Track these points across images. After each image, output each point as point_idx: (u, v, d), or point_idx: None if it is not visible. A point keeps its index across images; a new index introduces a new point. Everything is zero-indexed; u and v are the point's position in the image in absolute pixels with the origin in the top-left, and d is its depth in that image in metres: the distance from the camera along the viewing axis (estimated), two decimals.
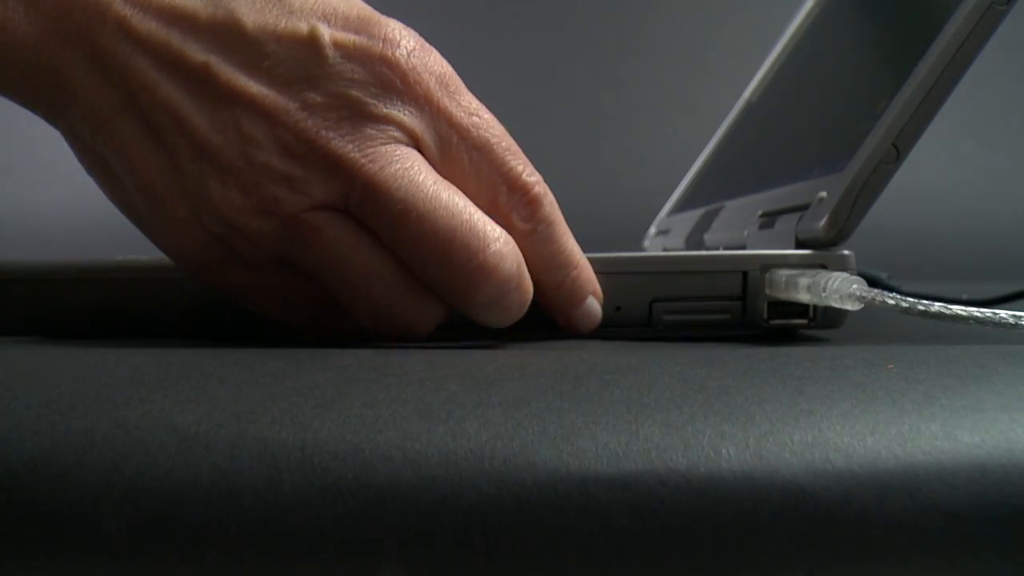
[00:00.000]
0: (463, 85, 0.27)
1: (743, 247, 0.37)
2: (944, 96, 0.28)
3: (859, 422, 0.17)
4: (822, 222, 0.29)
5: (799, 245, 0.30)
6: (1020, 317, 0.24)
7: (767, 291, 0.29)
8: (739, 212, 0.41)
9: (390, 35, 0.26)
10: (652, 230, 0.60)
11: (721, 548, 0.16)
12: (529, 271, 0.27)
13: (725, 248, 0.39)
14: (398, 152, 0.26)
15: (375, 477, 0.16)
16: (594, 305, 0.29)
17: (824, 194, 0.30)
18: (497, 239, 0.26)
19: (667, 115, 1.09)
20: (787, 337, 0.30)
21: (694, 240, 0.47)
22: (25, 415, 0.18)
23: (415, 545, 0.16)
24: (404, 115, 0.26)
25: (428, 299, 0.27)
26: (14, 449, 0.17)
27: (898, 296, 0.25)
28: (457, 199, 0.26)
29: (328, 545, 0.16)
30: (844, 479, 0.16)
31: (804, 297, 0.27)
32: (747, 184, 0.43)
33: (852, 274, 0.27)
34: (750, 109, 0.55)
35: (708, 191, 0.53)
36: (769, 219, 0.34)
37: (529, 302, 0.27)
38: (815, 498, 0.16)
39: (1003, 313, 0.24)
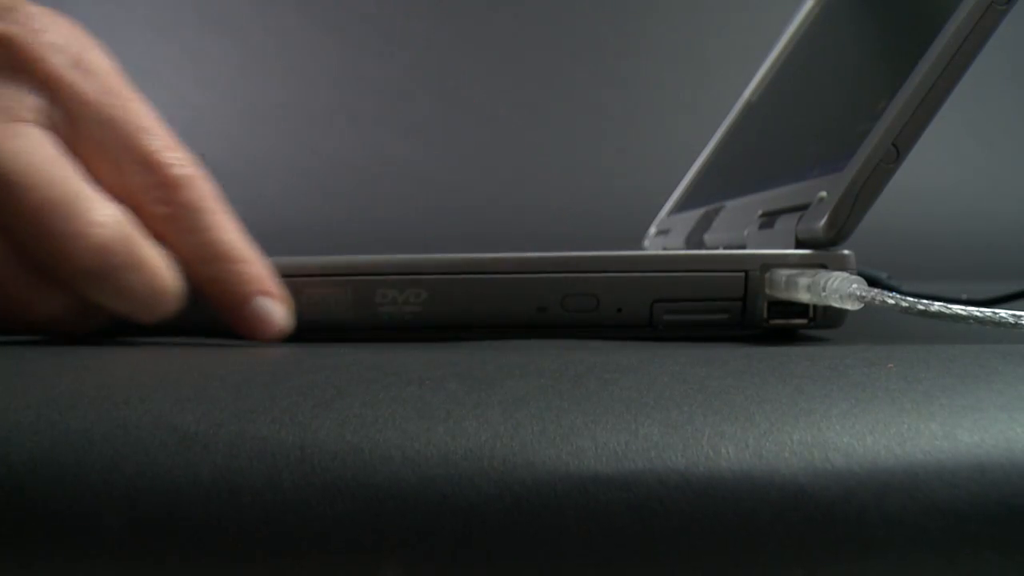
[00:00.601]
0: (106, 66, 0.27)
1: (743, 247, 0.37)
2: (944, 96, 0.28)
3: (859, 421, 0.17)
4: (822, 222, 0.29)
5: (799, 245, 0.30)
6: (1020, 317, 0.24)
7: (767, 291, 0.29)
8: (739, 212, 0.41)
9: (20, 18, 0.27)
10: (652, 230, 0.60)
11: (721, 548, 0.16)
12: (183, 262, 0.27)
13: (725, 248, 0.39)
14: (19, 129, 0.26)
15: (374, 477, 0.16)
16: (266, 307, 0.27)
17: (824, 194, 0.30)
18: (96, 210, 0.26)
19: (667, 115, 1.09)
20: (787, 337, 0.30)
21: (694, 240, 0.46)
22: (25, 415, 0.18)
23: (415, 545, 0.16)
24: (30, 94, 0.26)
25: (42, 283, 0.26)
26: (14, 449, 0.17)
27: (898, 296, 0.25)
28: (61, 172, 0.26)
29: (328, 544, 0.16)
30: (844, 478, 0.16)
31: (804, 297, 0.27)
32: (747, 184, 0.43)
33: (852, 274, 0.27)
34: (750, 109, 0.55)
35: (708, 191, 0.53)
36: (769, 219, 0.34)
37: (167, 290, 0.26)
38: (815, 497, 0.16)
39: (1003, 313, 0.24)
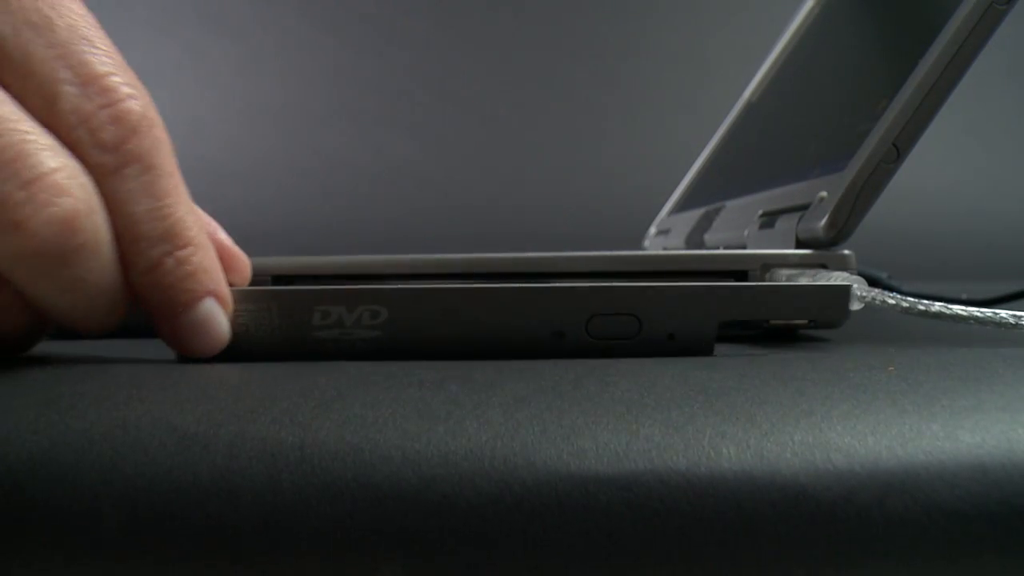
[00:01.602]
0: None
1: (743, 247, 0.37)
2: (944, 96, 0.28)
3: (860, 422, 0.17)
4: (822, 222, 0.29)
5: (799, 245, 0.30)
6: (1020, 317, 0.24)
7: None
8: (739, 212, 0.41)
9: None
10: (652, 230, 0.60)
11: (721, 548, 0.16)
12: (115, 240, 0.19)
13: (725, 248, 0.39)
14: None
15: (375, 477, 0.16)
16: (214, 314, 0.21)
17: (824, 194, 0.30)
18: (53, 169, 0.18)
19: (667, 115, 1.09)
20: (787, 337, 0.30)
21: (694, 240, 0.46)
22: (25, 415, 0.18)
23: (415, 545, 0.16)
24: None
25: None
26: (13, 449, 0.17)
27: (898, 296, 0.25)
28: None
29: (328, 545, 0.16)
30: (845, 479, 0.16)
31: None
32: (747, 184, 0.43)
33: (852, 274, 0.27)
34: (750, 109, 0.55)
35: (708, 191, 0.53)
36: (769, 219, 0.34)
37: (119, 285, 0.20)
38: (816, 498, 0.16)
39: (1003, 313, 0.24)
